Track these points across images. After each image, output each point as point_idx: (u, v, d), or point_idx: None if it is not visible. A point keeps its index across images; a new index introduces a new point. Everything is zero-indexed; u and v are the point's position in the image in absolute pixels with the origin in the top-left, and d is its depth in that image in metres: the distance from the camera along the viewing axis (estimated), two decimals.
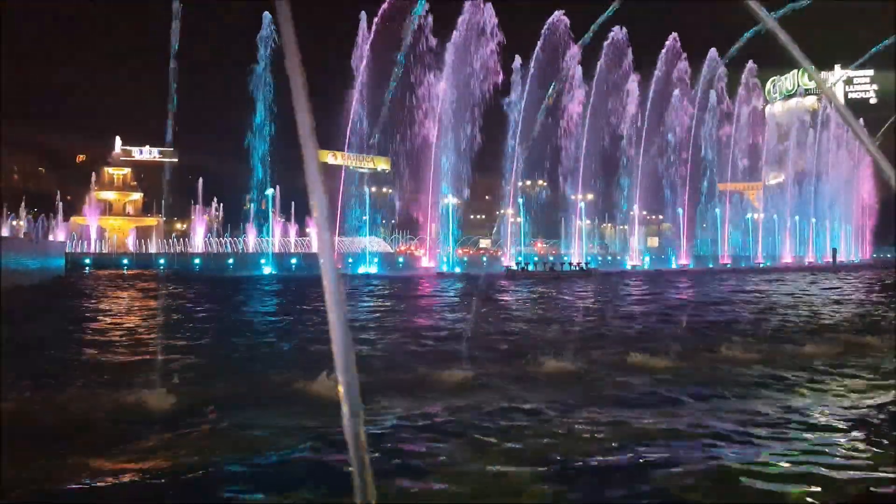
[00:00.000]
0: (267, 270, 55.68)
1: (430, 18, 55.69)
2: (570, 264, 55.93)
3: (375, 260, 62.67)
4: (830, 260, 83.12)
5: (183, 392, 9.31)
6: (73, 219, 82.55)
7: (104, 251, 76.67)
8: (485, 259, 75.36)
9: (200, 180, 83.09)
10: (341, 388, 1.74)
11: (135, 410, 8.64)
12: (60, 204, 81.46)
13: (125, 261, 64.63)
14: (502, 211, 70.72)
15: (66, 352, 13.62)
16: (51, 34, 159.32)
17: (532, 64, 59.58)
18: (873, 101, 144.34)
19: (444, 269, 58.97)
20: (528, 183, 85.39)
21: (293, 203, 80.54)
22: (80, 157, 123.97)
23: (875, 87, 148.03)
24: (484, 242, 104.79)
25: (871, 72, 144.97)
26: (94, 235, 79.95)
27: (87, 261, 61.79)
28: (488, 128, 62.09)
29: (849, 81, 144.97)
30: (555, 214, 78.75)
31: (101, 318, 20.26)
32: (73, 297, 28.35)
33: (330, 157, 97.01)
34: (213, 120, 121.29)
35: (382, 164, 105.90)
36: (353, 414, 1.73)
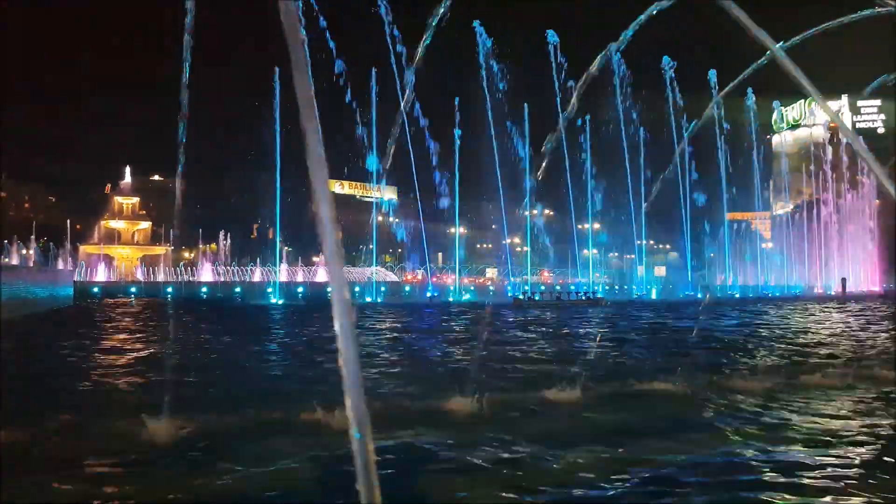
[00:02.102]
0: (274, 300, 55.67)
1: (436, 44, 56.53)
2: (577, 293, 55.73)
3: (382, 289, 62.61)
4: (840, 290, 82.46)
5: (188, 421, 9.25)
6: (81, 247, 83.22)
7: (113, 280, 77.11)
8: (491, 288, 75.21)
9: (207, 212, 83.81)
10: (346, 386, 1.73)
11: (137, 440, 8.57)
12: (69, 233, 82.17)
13: (133, 289, 64.86)
14: (508, 240, 70.80)
15: (68, 380, 13.56)
16: (60, 63, 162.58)
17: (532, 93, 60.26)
18: (881, 130, 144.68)
19: (451, 298, 58.85)
20: (535, 212, 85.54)
21: (301, 231, 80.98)
22: (108, 187, 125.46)
23: (882, 116, 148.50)
24: (490, 271, 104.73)
25: (878, 101, 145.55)
26: (102, 264, 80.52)
27: (96, 289, 62.05)
28: (495, 156, 62.56)
29: (856, 111, 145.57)
30: (562, 243, 78.73)
31: (105, 346, 20.25)
32: (79, 325, 28.37)
33: (337, 187, 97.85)
34: (223, 150, 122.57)
35: (390, 194, 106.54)
36: (357, 409, 1.71)
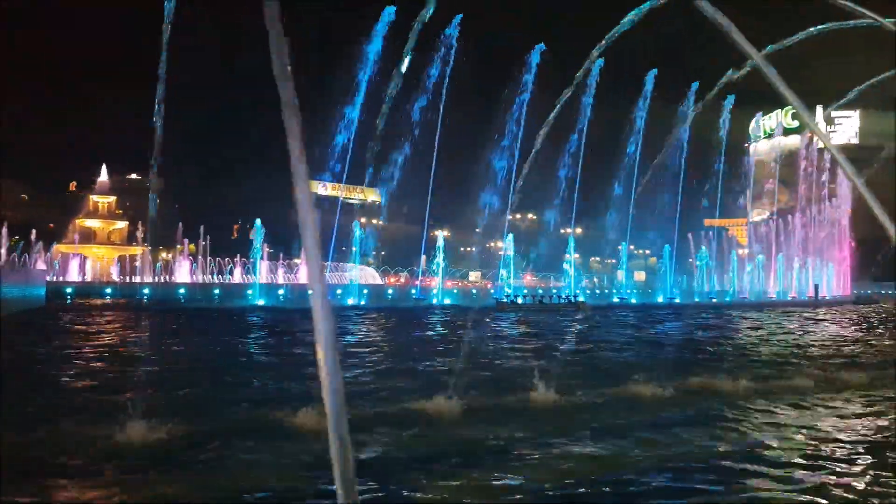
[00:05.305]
0: (254, 302, 55.09)
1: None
2: (560, 297, 55.99)
3: (364, 291, 62.34)
4: (812, 295, 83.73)
5: (164, 425, 9.13)
6: (55, 247, 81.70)
7: (87, 280, 75.86)
8: (474, 291, 75.25)
9: (187, 211, 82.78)
10: (324, 383, 1.71)
11: (115, 444, 8.45)
12: (43, 232, 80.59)
13: (108, 290, 63.82)
14: (492, 244, 70.94)
15: (41, 384, 13.33)
16: (34, 59, 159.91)
17: (522, 98, 60.44)
18: (854, 140, 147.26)
19: (435, 301, 58.77)
20: (519, 216, 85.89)
21: (281, 232, 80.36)
22: (73, 185, 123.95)
23: (857, 127, 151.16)
24: (473, 275, 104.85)
25: (852, 112, 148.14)
26: (76, 264, 79.21)
27: (69, 290, 60.88)
28: (479, 160, 62.69)
29: (830, 122, 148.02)
30: (545, 247, 79.09)
31: (77, 349, 19.91)
32: (50, 328, 27.87)
33: (320, 188, 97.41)
34: (202, 148, 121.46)
35: (373, 196, 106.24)
36: (336, 413, 1.69)
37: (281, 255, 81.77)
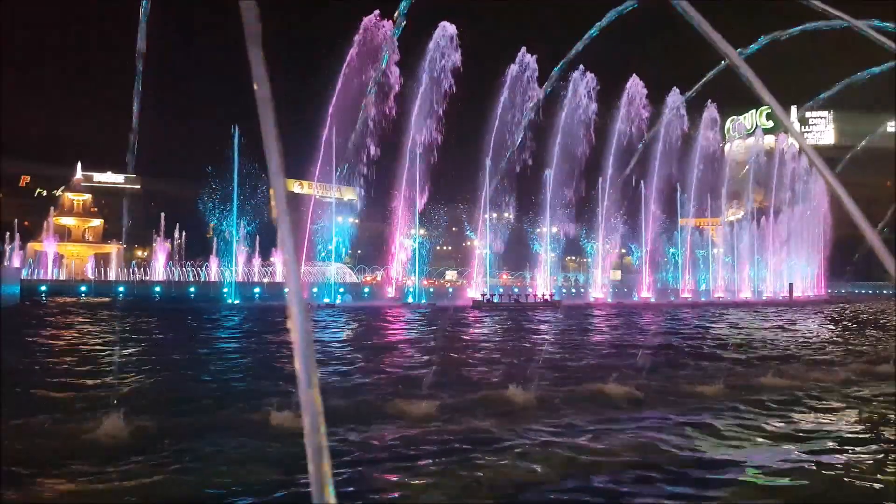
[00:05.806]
0: (230, 300, 54.59)
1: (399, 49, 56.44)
2: (536, 296, 56.25)
3: (341, 290, 62.05)
4: (787, 295, 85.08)
5: (139, 421, 9.03)
6: (29, 245, 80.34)
7: (62, 278, 74.64)
8: (451, 290, 75.30)
9: (162, 210, 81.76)
10: (300, 378, 1.70)
11: (89, 439, 8.35)
12: (17, 229, 79.11)
13: (83, 288, 62.81)
14: (468, 243, 71.05)
15: (14, 381, 13.07)
16: (11, 59, 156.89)
17: (499, 99, 60.63)
18: (829, 141, 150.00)
19: (411, 300, 58.70)
20: (495, 215, 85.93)
21: (257, 230, 79.70)
22: (25, 179, 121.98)
23: (830, 127, 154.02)
24: (450, 274, 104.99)
25: (826, 113, 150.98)
26: (51, 262, 77.90)
27: (43, 288, 59.85)
28: (456, 160, 62.70)
29: (804, 122, 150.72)
30: (520, 246, 79.33)
31: (51, 346, 19.58)
32: (24, 325, 27.37)
33: (296, 187, 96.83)
34: (178, 146, 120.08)
35: (349, 195, 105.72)
36: (312, 410, 1.68)
37: (257, 247, 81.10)
